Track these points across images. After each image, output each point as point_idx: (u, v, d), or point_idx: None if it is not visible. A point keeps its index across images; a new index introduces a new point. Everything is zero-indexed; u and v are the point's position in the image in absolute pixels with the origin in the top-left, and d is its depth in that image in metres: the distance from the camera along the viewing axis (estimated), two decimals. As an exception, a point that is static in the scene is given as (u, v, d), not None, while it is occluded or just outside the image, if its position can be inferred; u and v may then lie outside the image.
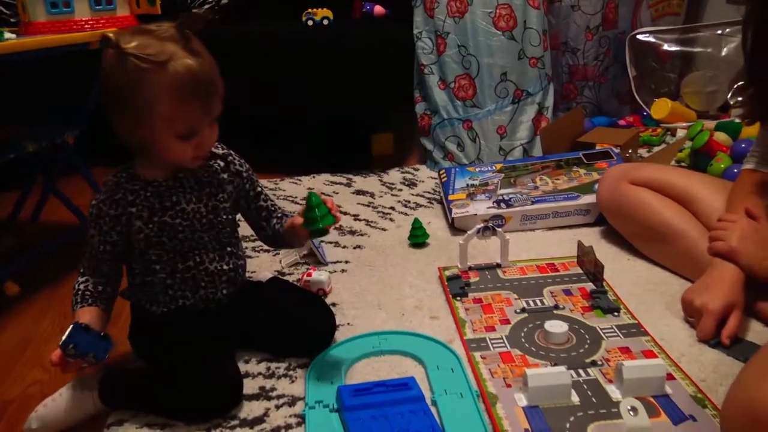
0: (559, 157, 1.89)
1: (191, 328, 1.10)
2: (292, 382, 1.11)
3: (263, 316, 1.18)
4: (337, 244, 1.67)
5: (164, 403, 1.03)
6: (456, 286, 1.36)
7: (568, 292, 1.32)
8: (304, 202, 1.08)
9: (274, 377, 1.12)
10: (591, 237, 1.59)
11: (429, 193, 2.04)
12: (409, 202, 1.97)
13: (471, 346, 1.16)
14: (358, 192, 2.08)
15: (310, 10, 2.25)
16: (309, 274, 1.40)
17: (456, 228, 1.70)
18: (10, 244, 1.76)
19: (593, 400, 0.99)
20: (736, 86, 2.38)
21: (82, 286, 1.09)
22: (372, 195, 2.04)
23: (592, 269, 1.35)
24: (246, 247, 1.66)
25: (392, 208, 1.92)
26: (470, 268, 1.44)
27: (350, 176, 2.23)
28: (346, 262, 1.56)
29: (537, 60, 2.18)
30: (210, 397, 1.02)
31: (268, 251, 1.64)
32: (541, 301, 1.30)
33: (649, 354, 1.10)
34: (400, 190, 2.08)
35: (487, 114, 2.18)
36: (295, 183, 2.21)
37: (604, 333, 1.17)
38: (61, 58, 1.56)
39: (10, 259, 1.56)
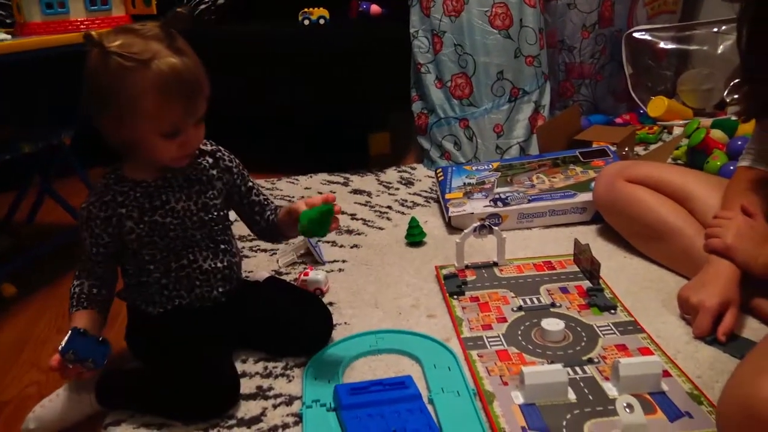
0: (555, 155, 1.89)
1: (188, 328, 1.10)
2: (290, 381, 1.11)
3: (260, 315, 1.18)
4: (334, 243, 1.67)
5: (161, 403, 1.03)
6: (453, 284, 1.36)
7: (564, 290, 1.33)
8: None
9: (271, 377, 1.13)
10: (587, 235, 1.60)
11: (426, 192, 2.04)
12: (406, 201, 1.97)
13: (468, 345, 1.16)
14: (356, 191, 2.08)
15: (306, 9, 2.25)
16: (306, 274, 1.40)
17: (453, 227, 1.70)
18: (5, 245, 1.76)
19: (590, 397, 0.99)
20: (732, 84, 2.39)
21: (77, 290, 1.09)
22: (369, 194, 2.04)
23: (589, 267, 1.35)
24: (243, 247, 1.66)
25: (389, 207, 1.92)
26: (467, 267, 1.45)
27: (347, 175, 2.23)
28: (343, 261, 1.56)
29: (533, 58, 2.18)
30: (207, 396, 1.02)
31: (265, 251, 1.64)
32: (538, 299, 1.30)
33: (645, 351, 1.11)
34: (397, 189, 2.08)
35: (484, 112, 2.18)
36: (293, 183, 2.21)
37: (600, 330, 1.18)
38: (56, 59, 1.56)
39: (6, 260, 1.56)
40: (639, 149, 2.24)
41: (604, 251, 1.50)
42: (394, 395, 1.00)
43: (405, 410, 0.97)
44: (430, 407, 1.00)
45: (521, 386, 1.00)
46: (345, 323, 1.27)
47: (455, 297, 1.33)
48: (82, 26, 1.65)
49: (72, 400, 1.05)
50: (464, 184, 1.82)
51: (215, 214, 1.13)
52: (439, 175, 1.92)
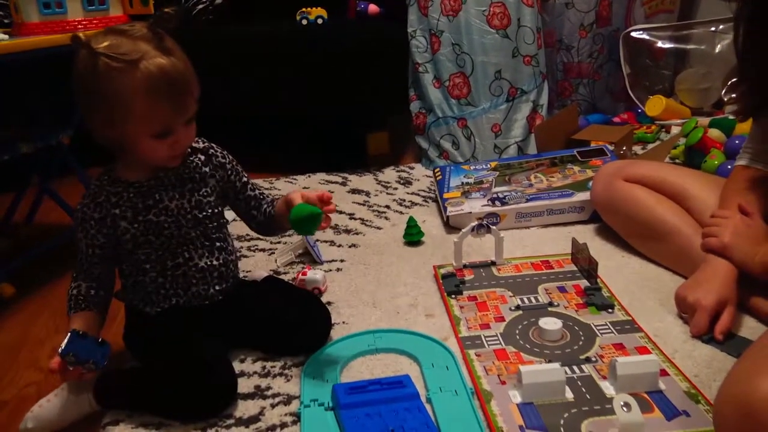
0: (553, 154, 1.90)
1: (185, 327, 1.10)
2: (288, 380, 1.11)
3: (259, 315, 1.18)
4: (332, 242, 1.67)
5: (159, 402, 1.04)
6: (451, 284, 1.36)
7: (562, 289, 1.33)
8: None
9: (269, 376, 1.13)
10: (585, 234, 1.60)
11: (424, 191, 2.04)
12: (404, 200, 1.97)
13: (466, 344, 1.16)
14: (354, 191, 2.08)
15: (304, 9, 2.25)
16: (304, 273, 1.41)
17: (451, 226, 1.70)
18: (4, 246, 1.76)
19: (587, 396, 0.99)
20: (729, 83, 2.39)
21: (74, 291, 1.09)
22: (367, 194, 2.04)
23: (587, 266, 1.35)
24: (241, 247, 1.66)
25: (387, 207, 1.92)
26: (465, 266, 1.45)
27: (346, 175, 2.23)
28: (342, 260, 1.57)
29: (531, 58, 2.18)
30: (204, 396, 1.02)
31: (263, 250, 1.64)
32: (536, 298, 1.30)
33: (642, 350, 1.11)
34: (396, 188, 2.08)
35: (482, 112, 2.18)
36: (291, 182, 2.22)
37: (598, 330, 1.18)
38: (54, 59, 1.56)
39: (5, 261, 1.56)
40: (637, 148, 2.24)
41: (601, 250, 1.50)
42: (392, 394, 1.00)
43: (403, 409, 0.98)
44: (428, 406, 1.00)
45: (519, 385, 1.00)
46: (343, 322, 1.27)
47: (453, 296, 1.33)
48: (79, 26, 1.65)
49: (70, 399, 1.05)
50: (462, 183, 1.83)
51: (209, 211, 1.14)
52: (437, 174, 1.92)
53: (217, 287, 1.16)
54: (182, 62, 1.01)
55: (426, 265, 1.50)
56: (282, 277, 1.47)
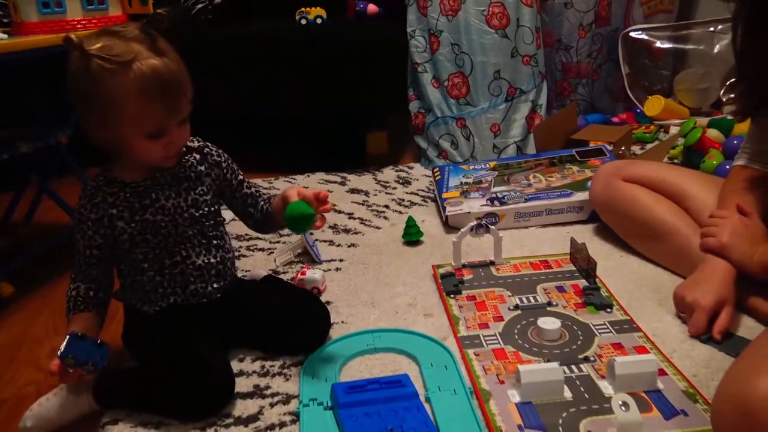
0: (552, 154, 1.90)
1: (184, 326, 1.11)
2: (287, 380, 1.11)
3: (258, 314, 1.18)
4: (331, 242, 1.67)
5: (158, 401, 1.04)
6: (450, 283, 1.36)
7: (561, 289, 1.33)
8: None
9: (268, 375, 1.13)
10: (584, 234, 1.60)
11: (423, 191, 2.04)
12: (403, 200, 1.97)
13: (464, 343, 1.16)
14: (353, 190, 2.08)
15: (303, 9, 2.25)
16: (303, 273, 1.41)
17: (450, 226, 1.71)
18: (3, 245, 1.76)
19: (586, 395, 0.99)
20: (728, 83, 2.40)
21: (73, 293, 1.10)
22: (366, 193, 2.05)
23: (585, 266, 1.35)
24: (240, 246, 1.66)
25: (386, 207, 1.92)
26: (464, 266, 1.45)
27: (345, 175, 2.24)
28: (341, 260, 1.57)
29: (530, 58, 2.18)
30: (202, 394, 1.02)
31: (262, 250, 1.64)
32: (535, 297, 1.30)
33: (641, 350, 1.11)
34: (395, 188, 2.09)
35: (481, 112, 2.18)
36: (290, 182, 2.22)
37: (596, 329, 1.18)
38: (54, 58, 1.56)
39: (4, 260, 1.56)
40: (636, 148, 2.25)
41: (600, 250, 1.51)
42: (391, 394, 1.00)
43: (402, 409, 0.98)
44: (426, 406, 1.00)
45: (518, 385, 1.00)
46: (342, 322, 1.28)
47: (452, 296, 1.33)
48: (79, 26, 1.65)
49: (69, 398, 1.05)
50: (461, 183, 1.83)
51: (206, 210, 1.14)
52: (436, 174, 1.92)
53: (215, 285, 1.16)
54: (175, 63, 1.02)
55: (425, 265, 1.50)
56: (281, 276, 1.47)
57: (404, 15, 2.24)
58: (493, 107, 2.18)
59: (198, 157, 1.15)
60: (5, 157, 1.50)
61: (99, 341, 1.03)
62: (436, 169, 1.95)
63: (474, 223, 1.44)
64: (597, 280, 1.33)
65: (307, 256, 1.58)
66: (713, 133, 1.98)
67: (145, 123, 1.01)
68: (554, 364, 1.01)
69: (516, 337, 1.17)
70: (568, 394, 1.00)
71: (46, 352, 1.28)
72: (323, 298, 1.36)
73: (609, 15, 2.52)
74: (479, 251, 1.53)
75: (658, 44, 2.60)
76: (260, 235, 1.68)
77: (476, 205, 1.71)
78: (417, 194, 2.02)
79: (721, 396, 0.81)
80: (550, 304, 1.28)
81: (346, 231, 1.75)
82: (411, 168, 2.28)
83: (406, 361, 1.15)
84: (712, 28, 2.54)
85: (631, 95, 2.57)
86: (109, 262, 1.13)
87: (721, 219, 1.22)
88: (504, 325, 1.21)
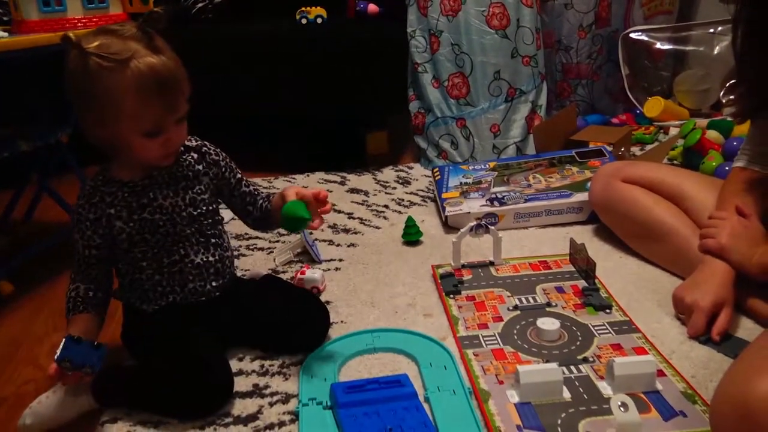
0: (552, 155, 1.90)
1: (183, 325, 1.11)
2: (286, 379, 1.11)
3: (257, 313, 1.18)
4: (330, 242, 1.67)
5: (157, 400, 1.04)
6: (449, 283, 1.36)
7: (560, 290, 1.33)
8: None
9: (267, 375, 1.13)
10: (583, 235, 1.60)
11: (423, 191, 2.04)
12: (402, 200, 1.97)
13: (464, 344, 1.16)
14: (352, 190, 2.08)
15: (303, 8, 2.25)
16: (303, 272, 1.41)
17: (449, 226, 1.71)
18: (2, 243, 1.76)
19: (585, 396, 1.00)
20: (727, 85, 2.40)
21: (73, 293, 1.10)
22: (366, 193, 2.05)
23: (585, 267, 1.35)
24: (240, 246, 1.66)
25: (386, 207, 1.92)
26: (463, 266, 1.45)
27: (344, 174, 2.24)
28: (340, 260, 1.57)
29: (530, 58, 2.18)
30: (200, 393, 1.02)
31: (261, 249, 1.64)
32: (534, 298, 1.30)
33: (640, 351, 1.11)
34: (394, 188, 2.09)
35: (481, 112, 2.18)
36: (290, 181, 2.22)
37: (595, 330, 1.18)
38: (54, 57, 1.56)
39: (4, 258, 1.56)
40: (635, 149, 2.25)
41: (599, 251, 1.51)
42: (390, 394, 1.00)
43: (401, 409, 0.98)
44: (425, 406, 1.00)
45: (517, 385, 1.00)
46: (341, 322, 1.28)
47: (451, 296, 1.33)
48: (79, 24, 1.65)
49: (69, 396, 1.05)
50: (461, 183, 1.83)
51: (204, 208, 1.14)
52: (435, 174, 1.92)
53: (213, 283, 1.16)
54: (172, 61, 1.02)
55: (424, 265, 1.50)
56: (280, 276, 1.47)
57: (404, 15, 2.24)
58: (493, 108, 2.18)
59: (196, 156, 1.16)
60: (5, 155, 1.50)
61: (96, 343, 1.03)
62: (436, 169, 1.95)
63: (473, 223, 1.44)
64: (596, 280, 1.34)
65: (307, 256, 1.58)
66: (713, 135, 1.99)
67: (143, 121, 1.01)
68: (553, 365, 1.02)
69: (515, 337, 1.17)
70: (567, 394, 1.00)
71: (45, 350, 1.28)
72: (323, 298, 1.36)
73: (609, 16, 2.52)
74: (479, 251, 1.53)
75: (658, 45, 2.60)
76: (260, 235, 1.68)
77: (476, 205, 1.71)
78: (417, 194, 2.02)
79: (720, 397, 0.81)
80: (549, 304, 1.28)
81: (346, 231, 1.75)
82: (411, 168, 2.28)
83: (406, 361, 1.15)
84: (712, 30, 2.55)
85: (630, 96, 2.57)
86: (108, 262, 1.13)
87: (720, 220, 1.22)
88: (503, 326, 1.21)
